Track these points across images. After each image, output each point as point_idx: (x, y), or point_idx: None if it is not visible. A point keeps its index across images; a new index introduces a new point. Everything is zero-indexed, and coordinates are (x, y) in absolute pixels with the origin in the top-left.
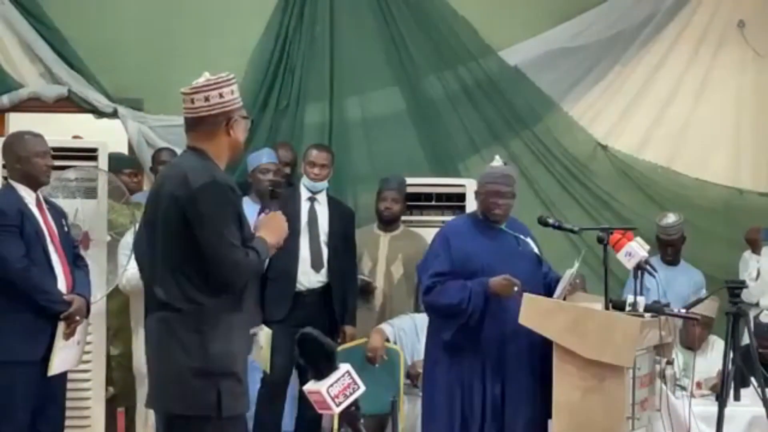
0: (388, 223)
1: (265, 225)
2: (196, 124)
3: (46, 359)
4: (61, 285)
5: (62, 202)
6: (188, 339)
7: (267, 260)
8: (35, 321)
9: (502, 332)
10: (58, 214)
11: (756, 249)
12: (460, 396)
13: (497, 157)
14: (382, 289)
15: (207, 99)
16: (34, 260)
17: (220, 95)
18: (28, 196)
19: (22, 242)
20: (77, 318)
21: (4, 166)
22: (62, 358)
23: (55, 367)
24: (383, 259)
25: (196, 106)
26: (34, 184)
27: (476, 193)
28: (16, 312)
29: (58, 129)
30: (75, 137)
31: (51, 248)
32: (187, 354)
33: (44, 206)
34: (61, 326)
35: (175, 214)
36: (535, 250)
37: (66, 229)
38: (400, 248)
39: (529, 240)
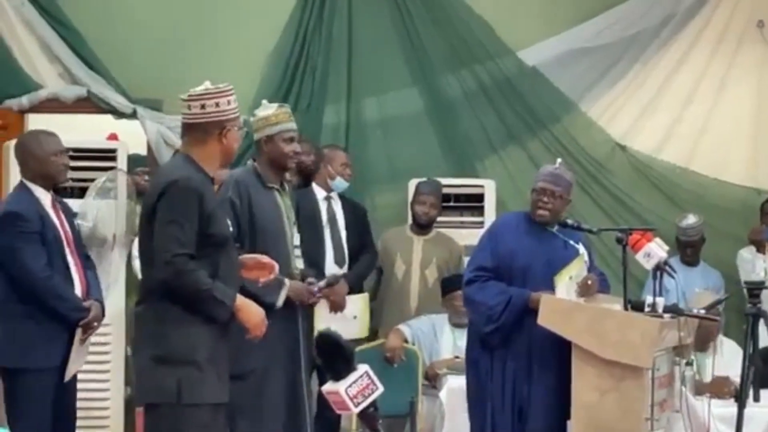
0: (423, 226)
1: (249, 311)
2: (190, 130)
3: (62, 365)
4: (78, 289)
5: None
6: (152, 329)
7: (220, 307)
8: (54, 328)
9: (532, 334)
10: (69, 213)
11: (761, 249)
12: (490, 392)
13: (559, 160)
14: (417, 293)
15: (203, 107)
16: (55, 267)
17: (216, 104)
18: (43, 197)
19: (44, 249)
20: (95, 324)
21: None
22: (75, 362)
23: (69, 372)
24: (417, 263)
25: (192, 113)
26: (51, 184)
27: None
28: (35, 319)
29: (77, 130)
30: (111, 136)
31: (68, 252)
32: (150, 344)
33: (59, 207)
34: (78, 333)
35: (146, 213)
36: (584, 256)
37: (77, 228)
38: (435, 252)
39: (579, 246)
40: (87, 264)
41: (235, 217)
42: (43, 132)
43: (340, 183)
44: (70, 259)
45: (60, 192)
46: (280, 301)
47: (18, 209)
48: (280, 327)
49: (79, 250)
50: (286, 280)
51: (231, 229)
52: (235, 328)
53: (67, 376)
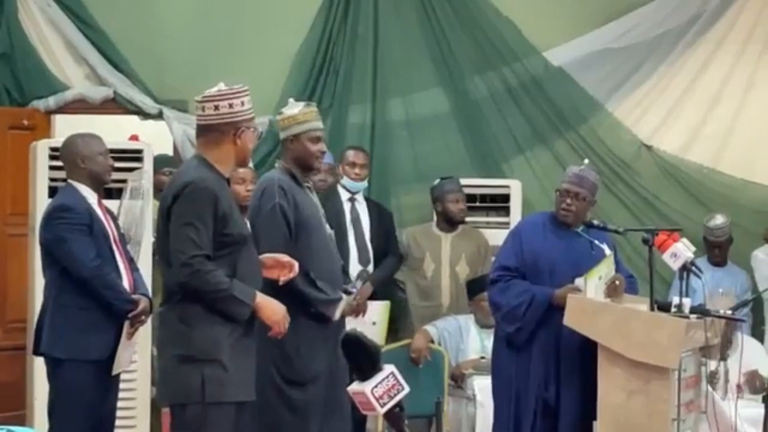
0: (456, 224)
1: (270, 309)
2: (204, 131)
3: (110, 358)
4: (125, 284)
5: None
6: (175, 329)
7: (240, 306)
8: (104, 319)
9: (558, 335)
10: (113, 215)
11: None
12: (515, 393)
13: (586, 161)
14: (448, 290)
15: (217, 108)
16: (104, 259)
17: (230, 105)
18: (90, 196)
19: (92, 241)
20: (143, 318)
21: (60, 168)
22: (122, 357)
23: (117, 366)
24: (447, 260)
25: (206, 114)
26: (97, 184)
27: None
28: (86, 310)
29: (103, 130)
30: (132, 137)
31: (115, 249)
32: (173, 344)
33: (104, 207)
34: (126, 326)
35: (162, 216)
36: (613, 256)
37: (121, 230)
38: (463, 247)
39: (604, 246)
40: (132, 265)
41: (286, 220)
42: (88, 134)
43: (349, 182)
44: (118, 257)
45: None
46: (336, 315)
47: (66, 202)
48: (338, 333)
49: (125, 250)
50: (344, 295)
51: (284, 231)
52: (295, 336)
53: (115, 370)
